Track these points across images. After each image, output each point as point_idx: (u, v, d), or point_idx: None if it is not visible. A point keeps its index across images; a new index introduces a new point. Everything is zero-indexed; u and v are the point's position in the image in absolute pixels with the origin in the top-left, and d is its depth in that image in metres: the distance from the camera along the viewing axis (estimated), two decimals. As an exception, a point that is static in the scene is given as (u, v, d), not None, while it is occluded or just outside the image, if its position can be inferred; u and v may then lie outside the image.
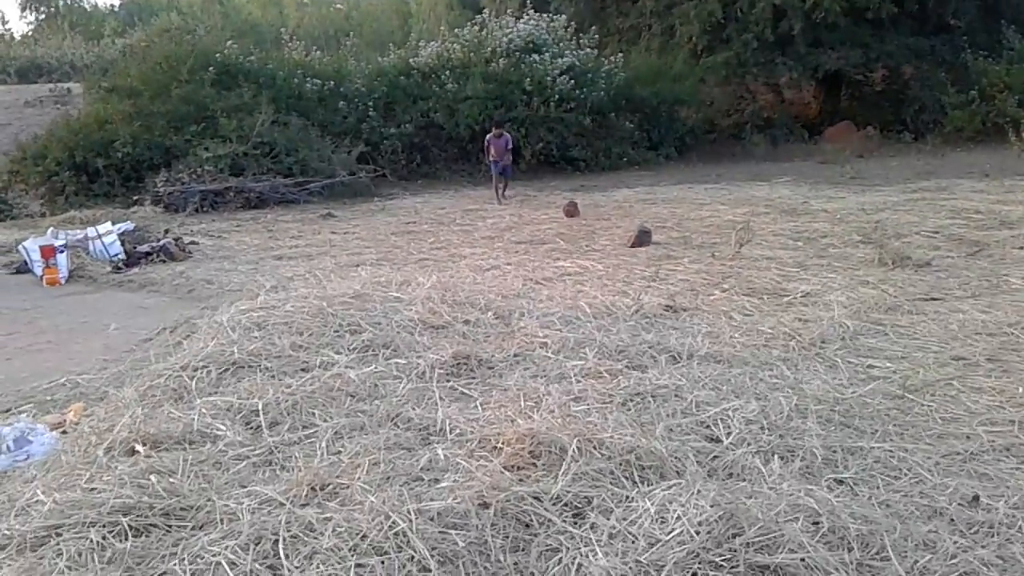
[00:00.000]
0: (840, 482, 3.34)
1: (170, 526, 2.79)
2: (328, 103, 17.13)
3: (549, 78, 18.23)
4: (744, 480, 3.16)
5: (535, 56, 18.75)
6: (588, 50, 19.52)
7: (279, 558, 2.56)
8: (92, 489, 2.94)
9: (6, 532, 2.75)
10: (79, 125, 15.50)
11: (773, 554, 2.61)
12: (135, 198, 14.11)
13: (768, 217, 10.97)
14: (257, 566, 2.52)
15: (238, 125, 15.06)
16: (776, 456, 3.45)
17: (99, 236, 9.70)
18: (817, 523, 2.86)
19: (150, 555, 2.62)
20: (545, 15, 20.20)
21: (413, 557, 2.54)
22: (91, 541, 2.62)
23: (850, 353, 5.05)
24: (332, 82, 17.41)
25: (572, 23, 20.44)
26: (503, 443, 3.29)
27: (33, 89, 23.09)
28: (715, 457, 3.41)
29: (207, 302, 7.16)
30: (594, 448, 3.14)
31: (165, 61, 16.65)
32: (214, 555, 2.56)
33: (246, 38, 21.21)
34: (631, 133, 19.49)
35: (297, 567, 2.52)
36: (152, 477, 3.00)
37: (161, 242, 9.98)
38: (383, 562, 2.51)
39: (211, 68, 16.29)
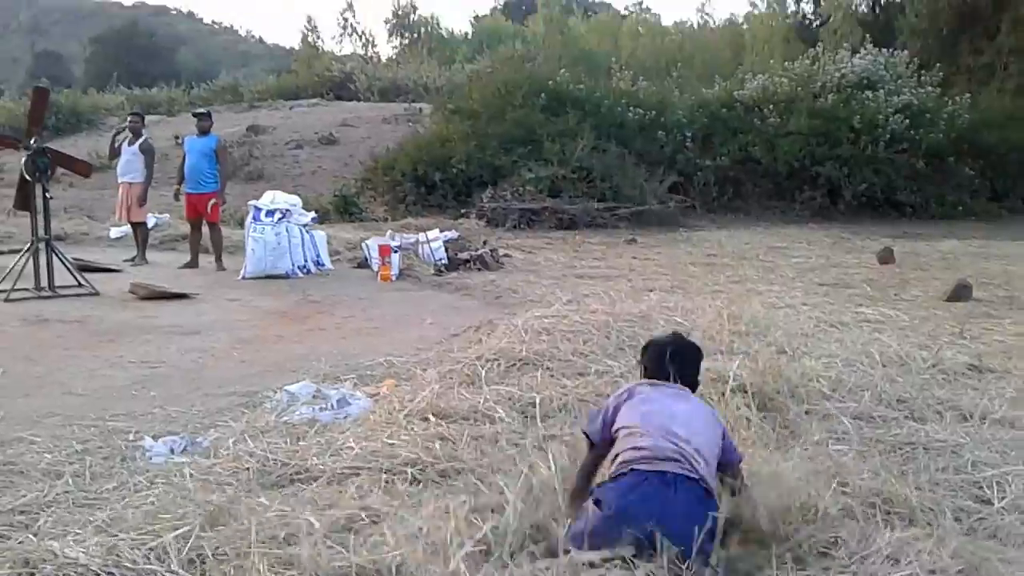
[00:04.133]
0: None
1: (442, 482, 3.27)
2: (648, 132, 17.61)
3: (881, 116, 17.36)
4: (1004, 545, 3.01)
5: (868, 93, 17.94)
6: (929, 89, 18.32)
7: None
8: (390, 444, 3.52)
9: (321, 467, 3.40)
10: (424, 142, 17.40)
11: (1015, 619, 2.51)
12: (463, 211, 15.55)
13: (1123, 284, 9.70)
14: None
15: (560, 149, 16.03)
16: (1055, 528, 3.21)
17: (428, 241, 10.88)
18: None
19: (424, 501, 3.09)
20: (884, 51, 19.26)
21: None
22: (381, 481, 3.17)
23: None
24: (654, 112, 17.88)
25: (915, 60, 19.31)
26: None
27: (391, 108, 26.05)
28: (980, 519, 3.24)
29: (510, 308, 7.81)
30: (838, 486, 3.15)
31: (503, 86, 18.14)
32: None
33: (579, 66, 22.39)
34: (971, 180, 17.95)
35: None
36: (437, 443, 3.52)
37: (479, 252, 10.97)
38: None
39: (543, 95, 17.48)
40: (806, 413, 4.23)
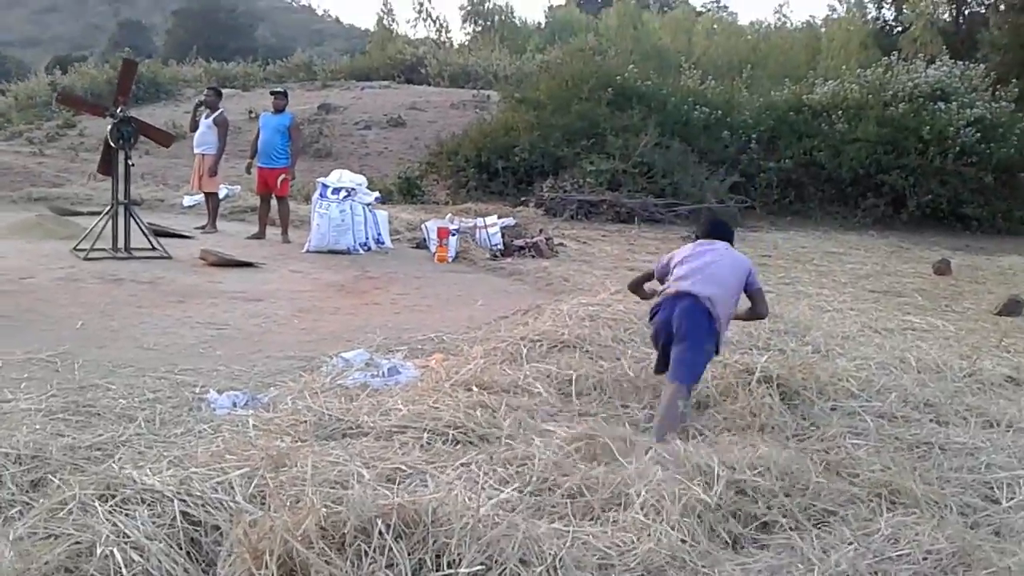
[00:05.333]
0: None
1: (481, 445, 3.56)
2: (712, 131, 17.60)
3: (952, 128, 17.09)
4: (1004, 540, 3.17)
5: (940, 104, 17.69)
6: (1004, 103, 17.99)
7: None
8: (435, 407, 3.83)
9: (371, 424, 3.72)
10: (489, 129, 17.66)
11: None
12: (522, 199, 15.80)
13: None
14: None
15: (623, 144, 16.12)
16: (1059, 531, 3.35)
17: (485, 227, 11.17)
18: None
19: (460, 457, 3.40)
20: (960, 63, 18.95)
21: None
22: (423, 440, 3.48)
23: None
24: (720, 111, 17.89)
25: (991, 74, 18.98)
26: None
27: (459, 93, 26.33)
28: (986, 515, 3.40)
29: (559, 295, 8.06)
30: (846, 475, 3.34)
31: (571, 79, 18.28)
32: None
33: (649, 62, 22.35)
34: (1040, 197, 17.63)
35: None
36: (478, 410, 3.82)
37: (534, 240, 11.22)
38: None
39: (610, 89, 17.60)
40: (831, 409, 4.41)
